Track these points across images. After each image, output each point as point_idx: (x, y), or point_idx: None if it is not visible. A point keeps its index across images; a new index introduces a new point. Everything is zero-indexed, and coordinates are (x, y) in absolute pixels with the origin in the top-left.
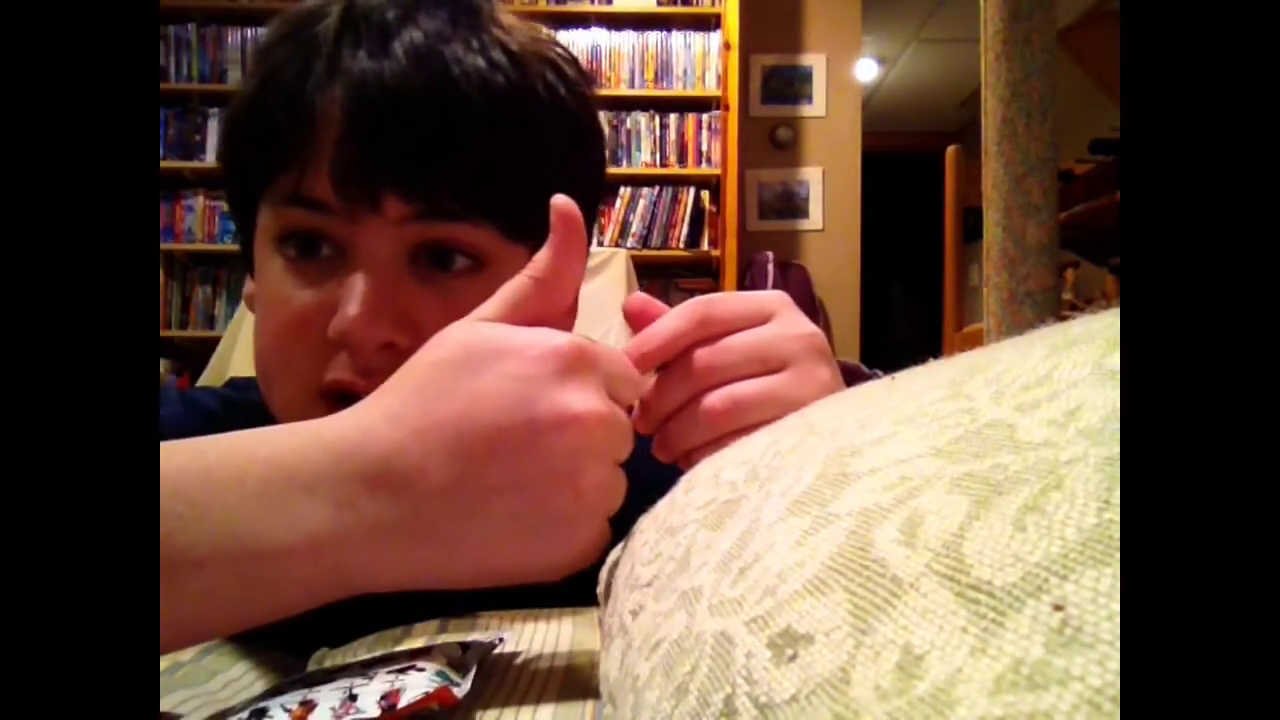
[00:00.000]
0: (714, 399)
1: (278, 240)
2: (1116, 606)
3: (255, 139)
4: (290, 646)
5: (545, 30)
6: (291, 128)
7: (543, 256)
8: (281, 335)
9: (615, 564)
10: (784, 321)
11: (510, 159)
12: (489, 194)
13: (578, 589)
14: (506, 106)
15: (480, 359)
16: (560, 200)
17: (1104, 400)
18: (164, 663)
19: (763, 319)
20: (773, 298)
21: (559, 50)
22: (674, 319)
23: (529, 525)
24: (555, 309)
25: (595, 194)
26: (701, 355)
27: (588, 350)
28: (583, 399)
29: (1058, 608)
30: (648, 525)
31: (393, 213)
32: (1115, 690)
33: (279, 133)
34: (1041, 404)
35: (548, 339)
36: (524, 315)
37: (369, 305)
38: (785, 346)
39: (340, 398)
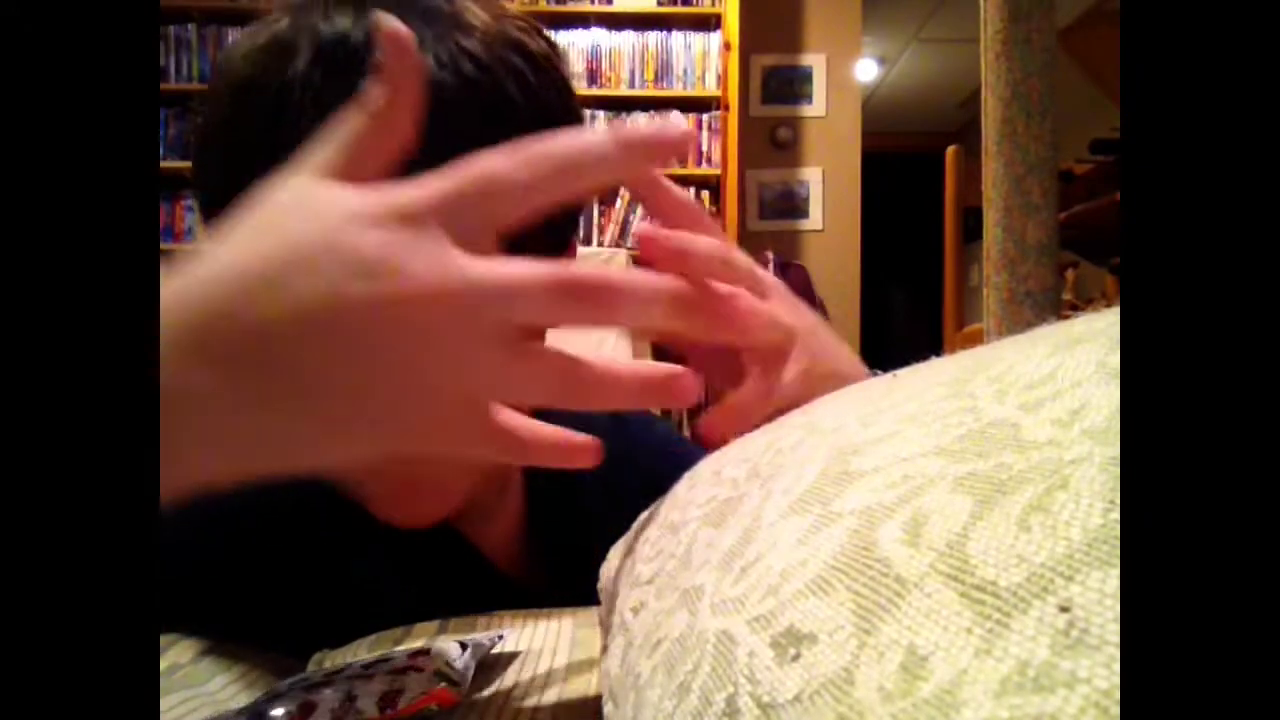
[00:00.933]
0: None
1: None
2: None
3: (226, 174)
4: (290, 649)
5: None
6: (265, 176)
7: (377, 88)
8: None
9: (616, 561)
10: (787, 308)
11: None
12: None
13: (578, 589)
14: (481, 129)
15: (294, 222)
16: (383, 20)
17: (1108, 399)
18: (162, 664)
19: (763, 294)
20: (766, 280)
21: (517, 23)
22: (708, 243)
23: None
24: (391, 150)
25: None
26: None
27: (421, 201)
28: (418, 269)
29: (1064, 609)
30: (649, 522)
31: None
32: None
33: (252, 175)
34: (1045, 403)
35: (371, 198)
36: (357, 163)
37: None
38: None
39: None
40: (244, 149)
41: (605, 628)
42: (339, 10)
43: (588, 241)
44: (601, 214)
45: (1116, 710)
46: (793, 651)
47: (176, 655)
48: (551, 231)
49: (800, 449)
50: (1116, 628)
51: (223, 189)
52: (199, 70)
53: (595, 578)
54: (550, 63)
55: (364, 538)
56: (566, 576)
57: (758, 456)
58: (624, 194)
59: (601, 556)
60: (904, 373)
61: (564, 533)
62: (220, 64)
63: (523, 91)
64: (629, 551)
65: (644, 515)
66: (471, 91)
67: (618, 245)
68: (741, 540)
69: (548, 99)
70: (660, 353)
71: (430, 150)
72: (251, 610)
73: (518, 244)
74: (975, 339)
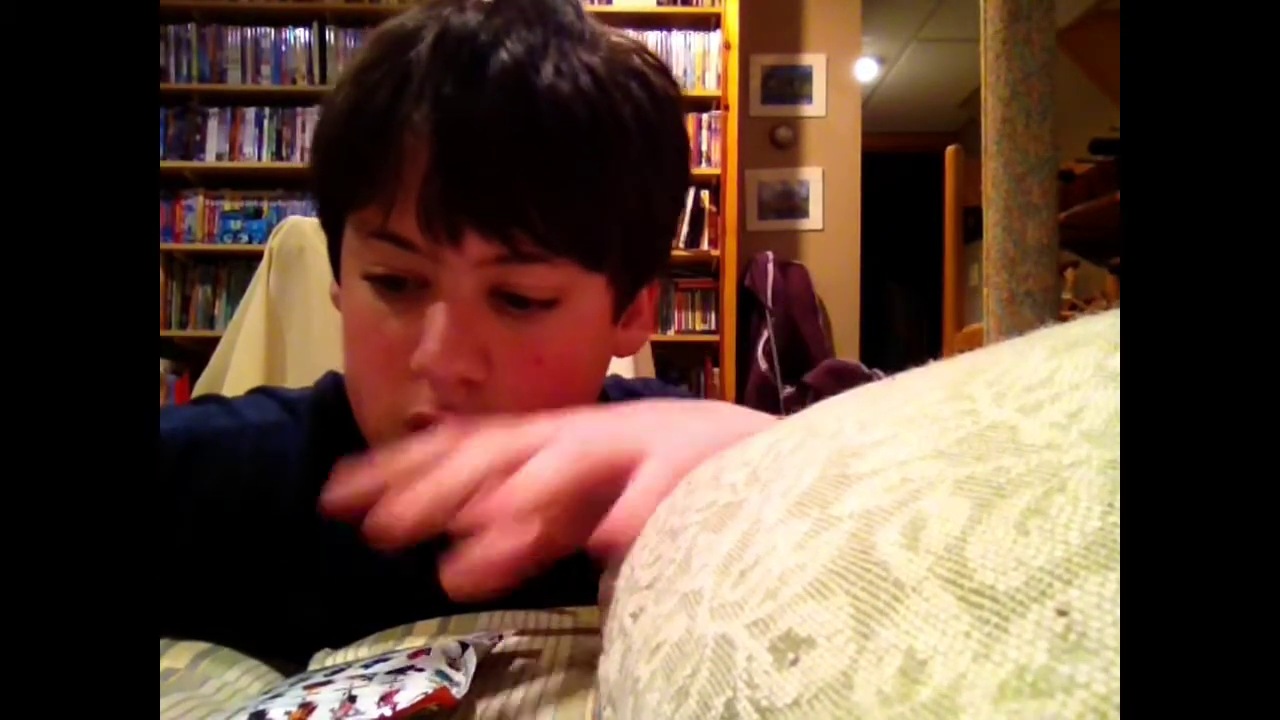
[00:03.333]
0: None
1: (365, 275)
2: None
3: (344, 163)
4: (289, 654)
5: (630, 36)
6: (380, 160)
7: None
8: (370, 365)
9: (614, 569)
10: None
11: (590, 197)
12: (568, 235)
13: (578, 584)
14: (591, 141)
15: None
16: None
17: (1107, 402)
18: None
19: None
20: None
21: (646, 58)
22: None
23: None
24: None
25: (678, 204)
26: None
27: None
28: None
29: (1062, 613)
30: (648, 528)
31: (473, 252)
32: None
33: (367, 162)
34: (1044, 406)
35: None
36: None
37: (448, 342)
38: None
39: (422, 427)
40: (361, 129)
41: (604, 634)
42: (472, 9)
43: None
44: (662, 277)
45: (1115, 715)
46: (791, 656)
47: (173, 659)
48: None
49: (799, 453)
50: (1115, 631)
51: (341, 171)
52: (199, 70)
53: (595, 574)
54: (669, 99)
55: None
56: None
57: (757, 460)
58: None
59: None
60: (903, 376)
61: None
62: (353, 56)
63: (636, 117)
64: (628, 558)
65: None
66: (584, 103)
67: None
68: (740, 544)
69: (660, 130)
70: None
71: (534, 154)
72: (251, 607)
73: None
74: (975, 339)
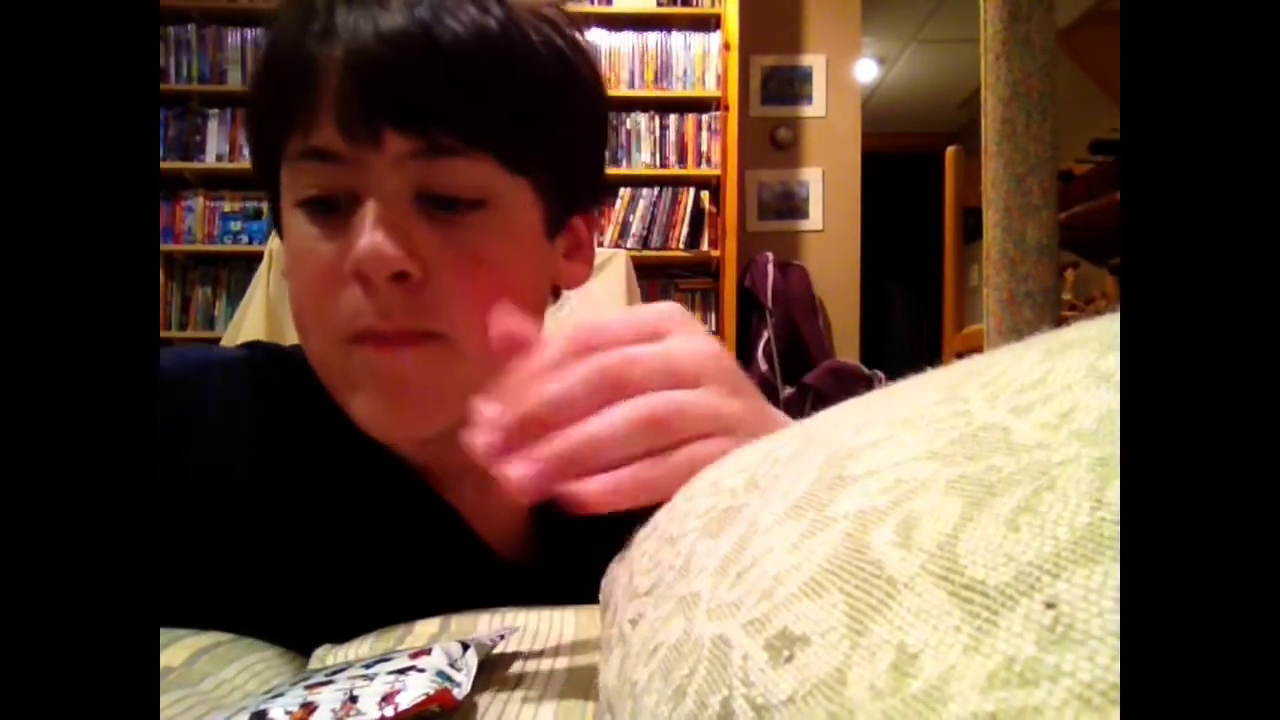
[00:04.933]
0: (654, 404)
1: (297, 202)
2: (1107, 603)
3: (267, 101)
4: (291, 643)
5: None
6: (296, 86)
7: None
8: (310, 287)
9: (615, 574)
10: (683, 337)
11: (503, 90)
12: (484, 125)
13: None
14: (498, 42)
15: None
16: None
17: (1097, 402)
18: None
19: (655, 335)
20: (664, 310)
21: (554, 12)
22: (556, 360)
23: None
24: None
25: (597, 135)
26: (607, 365)
27: None
28: None
29: (1049, 605)
30: (646, 535)
31: (393, 148)
32: (1105, 685)
33: (285, 89)
34: (1035, 407)
35: None
36: None
37: (377, 237)
38: (694, 362)
39: (367, 342)
40: (277, 65)
41: (604, 641)
42: None
43: None
44: (601, 214)
45: (1099, 701)
46: (786, 653)
47: (170, 657)
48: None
49: (798, 459)
50: (1100, 622)
51: (265, 110)
52: (199, 70)
53: (596, 571)
54: (578, 43)
55: (359, 516)
56: (567, 566)
57: (755, 466)
58: (623, 194)
59: (602, 550)
60: (900, 384)
61: (567, 522)
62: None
63: (543, 42)
64: (627, 565)
65: (641, 528)
66: (491, 17)
67: (617, 245)
68: (737, 546)
69: (569, 62)
70: None
71: (443, 55)
72: (250, 596)
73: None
74: (975, 340)
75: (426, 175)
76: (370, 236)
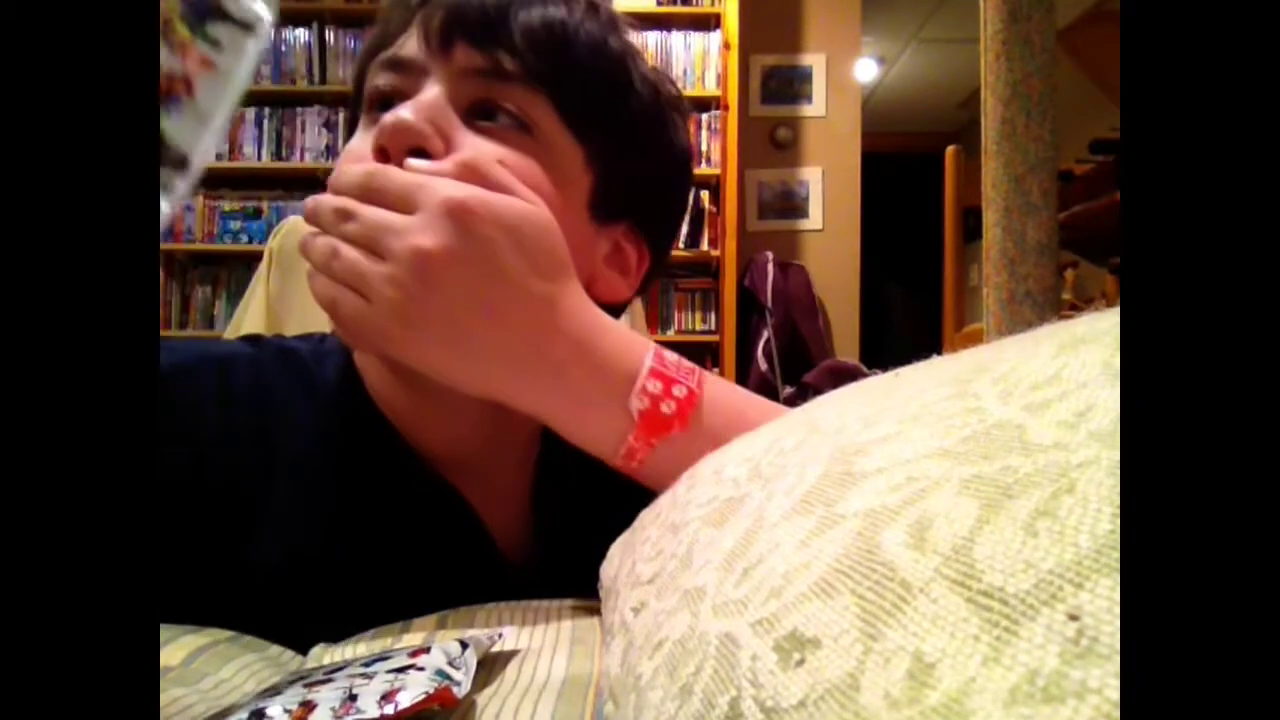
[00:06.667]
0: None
1: (367, 108)
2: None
3: (376, 43)
4: (294, 636)
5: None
6: (400, 11)
7: None
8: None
9: (617, 560)
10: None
11: (570, 41)
12: (546, 63)
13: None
14: (585, 23)
15: None
16: None
17: (1115, 402)
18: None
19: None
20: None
21: (668, 85)
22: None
23: None
24: None
25: (675, 170)
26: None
27: None
28: None
29: (1073, 617)
30: (649, 521)
31: (460, 60)
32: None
33: (389, 19)
34: (1051, 404)
35: None
36: None
37: (405, 109)
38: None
39: None
40: (390, 21)
41: (605, 626)
42: None
43: None
44: (652, 265)
45: None
46: (797, 656)
47: (168, 656)
48: None
49: (802, 449)
50: None
51: (373, 50)
52: None
53: (596, 566)
54: (670, 94)
55: (366, 506)
56: (566, 561)
57: (759, 456)
58: None
59: (603, 546)
60: (905, 371)
61: (568, 516)
62: (352, 53)
63: (640, 73)
64: (629, 550)
65: (644, 513)
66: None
67: None
68: (743, 541)
69: (658, 95)
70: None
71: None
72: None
73: None
74: (975, 339)
75: (480, 90)
76: (396, 111)
